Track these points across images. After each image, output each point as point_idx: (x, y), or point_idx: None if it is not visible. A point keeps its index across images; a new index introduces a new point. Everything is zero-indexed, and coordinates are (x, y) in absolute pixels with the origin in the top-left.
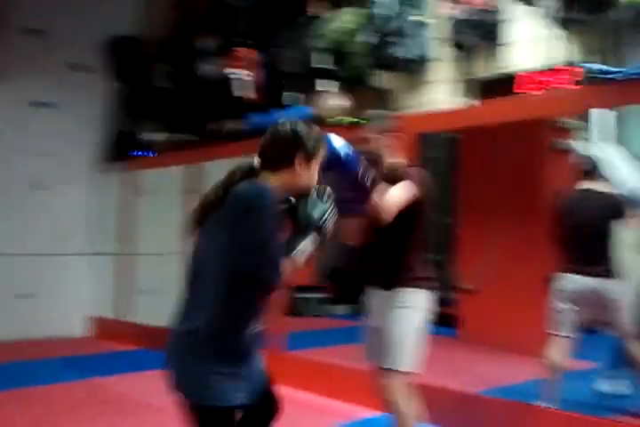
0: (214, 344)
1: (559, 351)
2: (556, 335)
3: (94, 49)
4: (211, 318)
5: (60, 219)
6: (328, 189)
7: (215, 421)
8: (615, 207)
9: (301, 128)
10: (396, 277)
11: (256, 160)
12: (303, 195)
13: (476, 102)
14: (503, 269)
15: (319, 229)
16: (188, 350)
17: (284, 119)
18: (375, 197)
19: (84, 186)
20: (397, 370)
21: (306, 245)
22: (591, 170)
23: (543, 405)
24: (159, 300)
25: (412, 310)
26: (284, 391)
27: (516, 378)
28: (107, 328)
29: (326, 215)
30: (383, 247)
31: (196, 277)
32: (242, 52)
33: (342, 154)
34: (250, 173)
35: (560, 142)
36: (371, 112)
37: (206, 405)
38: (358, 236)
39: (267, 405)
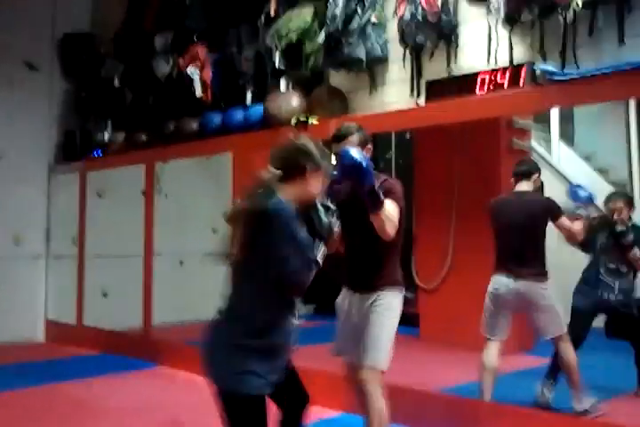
0: (250, 339)
1: (490, 353)
2: (487, 338)
3: (45, 47)
4: (247, 315)
5: (14, 221)
6: (330, 203)
7: (246, 409)
8: (548, 209)
9: (310, 144)
10: (377, 280)
11: (270, 171)
12: (309, 206)
13: (429, 103)
14: (460, 269)
15: (328, 237)
16: (226, 343)
17: (294, 136)
18: (385, 211)
19: (39, 187)
20: (376, 368)
21: (323, 250)
22: (526, 171)
23: None
24: (116, 303)
25: (391, 311)
26: None
27: (473, 376)
28: (63, 333)
29: (332, 225)
30: (366, 251)
31: (235, 281)
32: (197, 50)
33: (364, 164)
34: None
35: (517, 142)
36: (347, 125)
37: (239, 393)
38: (338, 240)
39: (297, 396)
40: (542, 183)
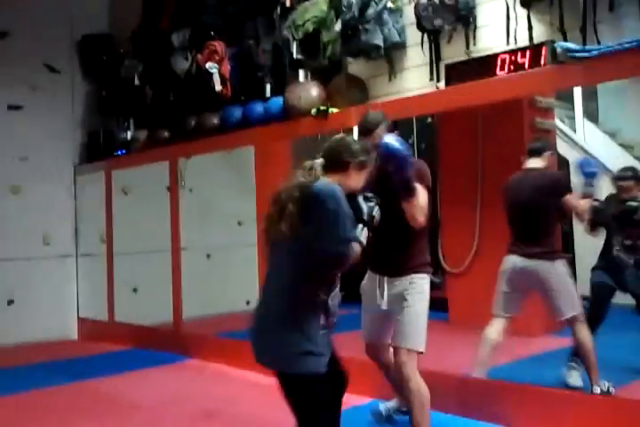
0: (301, 320)
1: (495, 330)
2: (495, 315)
3: (65, 49)
4: (293, 298)
5: (43, 222)
6: (373, 194)
7: (313, 388)
8: (554, 185)
9: (356, 143)
10: (407, 264)
11: (319, 161)
12: (350, 195)
13: (450, 86)
14: (487, 252)
15: (369, 222)
16: (280, 327)
17: (342, 135)
18: (417, 198)
19: (65, 188)
20: (415, 350)
21: (363, 233)
22: (537, 149)
23: (474, 375)
24: (146, 298)
25: (423, 294)
26: (273, 381)
27: (502, 359)
28: (96, 329)
29: (374, 212)
30: (395, 235)
31: (276, 266)
32: (214, 45)
33: (406, 154)
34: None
35: (541, 122)
36: (372, 117)
37: (303, 374)
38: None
39: (339, 375)
40: (568, 162)
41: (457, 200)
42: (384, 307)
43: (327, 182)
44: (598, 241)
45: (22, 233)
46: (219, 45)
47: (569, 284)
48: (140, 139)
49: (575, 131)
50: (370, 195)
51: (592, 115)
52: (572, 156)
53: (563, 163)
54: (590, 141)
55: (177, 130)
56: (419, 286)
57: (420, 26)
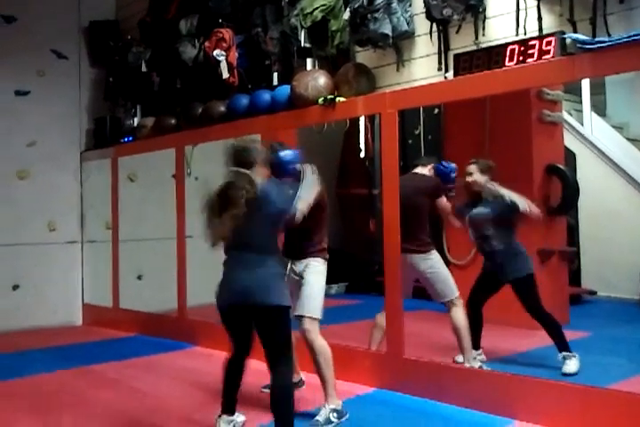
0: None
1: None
2: None
3: (72, 35)
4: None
5: (49, 208)
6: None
7: (288, 317)
8: (434, 187)
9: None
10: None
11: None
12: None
13: (458, 76)
14: None
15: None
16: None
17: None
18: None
19: (72, 174)
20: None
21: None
22: (423, 162)
23: None
24: (151, 285)
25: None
26: None
27: (504, 351)
28: (100, 315)
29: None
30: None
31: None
32: (222, 32)
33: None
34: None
35: (548, 114)
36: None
37: (284, 306)
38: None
39: None
40: (574, 155)
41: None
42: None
43: (263, 182)
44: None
45: (28, 219)
46: (226, 33)
47: (441, 272)
48: (146, 126)
49: (582, 124)
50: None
51: (600, 108)
52: (579, 149)
53: (570, 156)
54: (597, 135)
55: (184, 117)
56: (314, 267)
57: (429, 15)
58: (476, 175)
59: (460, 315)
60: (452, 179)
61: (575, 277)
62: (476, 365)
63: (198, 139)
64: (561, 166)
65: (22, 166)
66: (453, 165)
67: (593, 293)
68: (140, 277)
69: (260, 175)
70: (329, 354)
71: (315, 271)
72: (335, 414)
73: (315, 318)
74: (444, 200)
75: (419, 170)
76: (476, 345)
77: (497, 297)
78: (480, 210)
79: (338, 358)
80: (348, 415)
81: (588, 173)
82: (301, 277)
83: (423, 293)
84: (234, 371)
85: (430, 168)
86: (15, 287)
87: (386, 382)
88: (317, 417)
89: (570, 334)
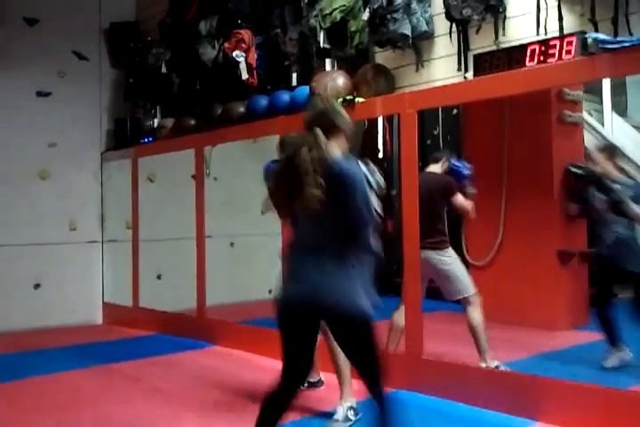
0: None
1: (401, 313)
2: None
3: (93, 36)
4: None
5: (70, 208)
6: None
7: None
8: (445, 187)
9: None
10: None
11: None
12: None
13: (478, 77)
14: (511, 245)
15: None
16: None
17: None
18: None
19: (92, 174)
20: None
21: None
22: (436, 157)
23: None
24: (170, 285)
25: None
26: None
27: (523, 353)
28: (120, 314)
29: (381, 183)
30: None
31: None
32: (242, 33)
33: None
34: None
35: (569, 115)
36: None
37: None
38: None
39: None
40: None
41: (481, 193)
42: None
43: (344, 158)
44: None
45: (49, 218)
46: (246, 34)
47: (457, 268)
48: (166, 127)
49: (603, 124)
50: (370, 163)
51: (620, 108)
52: None
53: (590, 157)
54: (618, 135)
55: (203, 118)
56: None
57: (448, 15)
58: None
59: (475, 314)
60: (466, 177)
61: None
62: (493, 365)
63: (217, 139)
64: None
65: (43, 166)
66: (466, 164)
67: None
68: (159, 277)
69: (340, 148)
70: None
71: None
72: (352, 412)
73: None
74: (459, 198)
75: (431, 168)
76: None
77: (511, 297)
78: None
79: None
80: (361, 414)
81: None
82: None
83: (438, 294)
84: (276, 407)
85: (443, 164)
86: (36, 286)
87: (404, 383)
88: (336, 416)
89: (590, 336)
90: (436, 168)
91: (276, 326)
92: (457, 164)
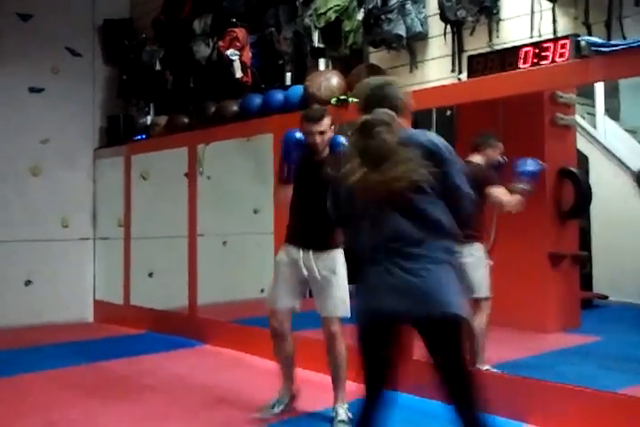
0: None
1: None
2: None
3: (87, 33)
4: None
5: (62, 205)
6: None
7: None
8: (482, 177)
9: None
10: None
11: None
12: None
13: (471, 78)
14: (504, 246)
15: None
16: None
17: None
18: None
19: (85, 171)
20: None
21: None
22: (479, 143)
23: None
24: (162, 283)
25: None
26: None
27: (514, 354)
28: (111, 312)
29: None
30: (322, 216)
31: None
32: (236, 32)
33: None
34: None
35: (561, 117)
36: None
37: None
38: None
39: None
40: (587, 158)
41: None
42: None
43: (428, 132)
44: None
45: (41, 215)
46: (240, 32)
47: (481, 267)
48: (159, 124)
49: (595, 127)
50: None
51: (613, 112)
52: (592, 152)
53: (582, 159)
54: (610, 139)
55: (196, 116)
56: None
57: (443, 16)
58: None
59: (481, 318)
60: (529, 174)
61: (587, 281)
62: (483, 368)
63: (211, 138)
64: (573, 170)
65: (35, 163)
66: (531, 160)
67: (604, 297)
68: (151, 275)
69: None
70: (346, 355)
71: (343, 266)
72: (350, 413)
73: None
74: (495, 191)
75: (472, 157)
76: None
77: (505, 299)
78: None
79: (350, 360)
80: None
81: (601, 176)
82: (333, 271)
83: None
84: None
85: (485, 154)
86: (27, 283)
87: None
88: (339, 417)
89: (581, 339)
90: (475, 157)
91: (267, 328)
92: (520, 162)
